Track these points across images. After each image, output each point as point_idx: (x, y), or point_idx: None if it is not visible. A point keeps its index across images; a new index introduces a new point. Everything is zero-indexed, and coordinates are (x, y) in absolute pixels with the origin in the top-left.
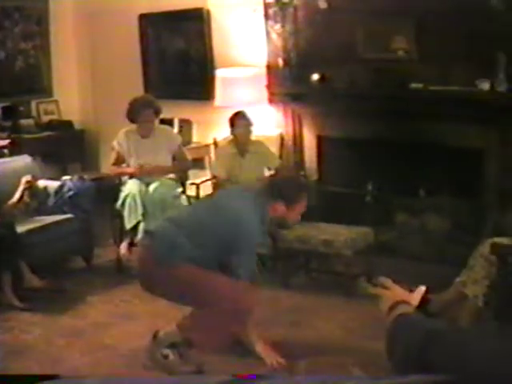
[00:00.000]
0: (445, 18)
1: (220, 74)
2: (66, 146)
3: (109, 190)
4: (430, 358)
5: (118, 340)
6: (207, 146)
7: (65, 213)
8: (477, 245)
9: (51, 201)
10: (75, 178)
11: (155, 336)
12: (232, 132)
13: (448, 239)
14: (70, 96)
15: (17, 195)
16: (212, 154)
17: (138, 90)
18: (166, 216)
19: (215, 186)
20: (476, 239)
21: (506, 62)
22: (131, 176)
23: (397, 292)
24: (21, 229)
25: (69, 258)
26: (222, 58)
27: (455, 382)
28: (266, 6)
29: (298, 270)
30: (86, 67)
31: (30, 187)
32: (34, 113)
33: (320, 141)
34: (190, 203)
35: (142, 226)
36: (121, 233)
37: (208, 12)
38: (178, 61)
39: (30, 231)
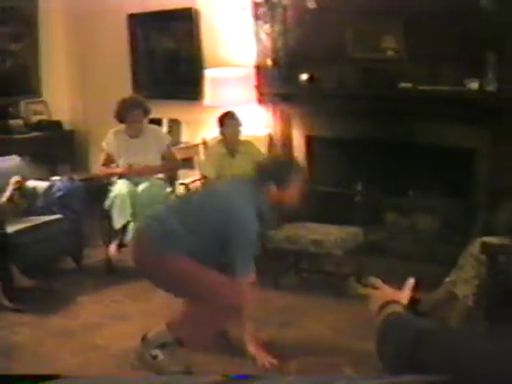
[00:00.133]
0: (434, 17)
1: (209, 73)
2: (55, 146)
3: (98, 190)
4: (420, 357)
5: (108, 340)
6: (196, 145)
7: (54, 213)
8: (467, 244)
9: (40, 201)
10: (64, 178)
11: (144, 338)
12: (221, 132)
13: (438, 239)
14: (59, 96)
15: (6, 195)
16: (201, 154)
17: (127, 90)
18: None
19: (205, 186)
20: (466, 239)
21: (495, 61)
22: (120, 176)
23: (386, 292)
24: (11, 229)
25: (59, 258)
26: (212, 57)
27: (446, 381)
28: (255, 6)
29: (288, 270)
30: (75, 68)
31: (20, 188)
32: (23, 113)
33: (309, 141)
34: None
35: (131, 227)
36: (110, 233)
37: (197, 12)
38: (168, 61)
39: (19, 231)
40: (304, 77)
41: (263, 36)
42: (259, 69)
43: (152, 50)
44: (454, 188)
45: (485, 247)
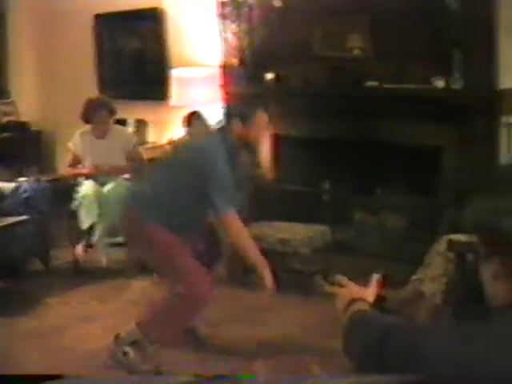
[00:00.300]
0: (400, 16)
1: (175, 73)
2: (22, 147)
3: (65, 191)
4: (386, 354)
5: (76, 342)
6: (163, 145)
7: (21, 214)
8: (433, 242)
9: (7, 202)
10: (31, 179)
11: (116, 337)
12: (187, 132)
13: (405, 237)
14: (27, 97)
15: None
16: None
17: (93, 90)
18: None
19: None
20: (433, 237)
21: (461, 59)
22: (87, 177)
23: (353, 289)
24: None
25: (26, 259)
26: (178, 57)
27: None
28: (221, 6)
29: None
30: (43, 68)
31: None
32: None
33: (276, 140)
34: None
35: (97, 227)
36: (77, 234)
37: (163, 12)
38: (134, 61)
39: None
40: (270, 76)
41: (229, 35)
42: (225, 68)
43: (118, 50)
44: (420, 186)
45: (451, 245)
